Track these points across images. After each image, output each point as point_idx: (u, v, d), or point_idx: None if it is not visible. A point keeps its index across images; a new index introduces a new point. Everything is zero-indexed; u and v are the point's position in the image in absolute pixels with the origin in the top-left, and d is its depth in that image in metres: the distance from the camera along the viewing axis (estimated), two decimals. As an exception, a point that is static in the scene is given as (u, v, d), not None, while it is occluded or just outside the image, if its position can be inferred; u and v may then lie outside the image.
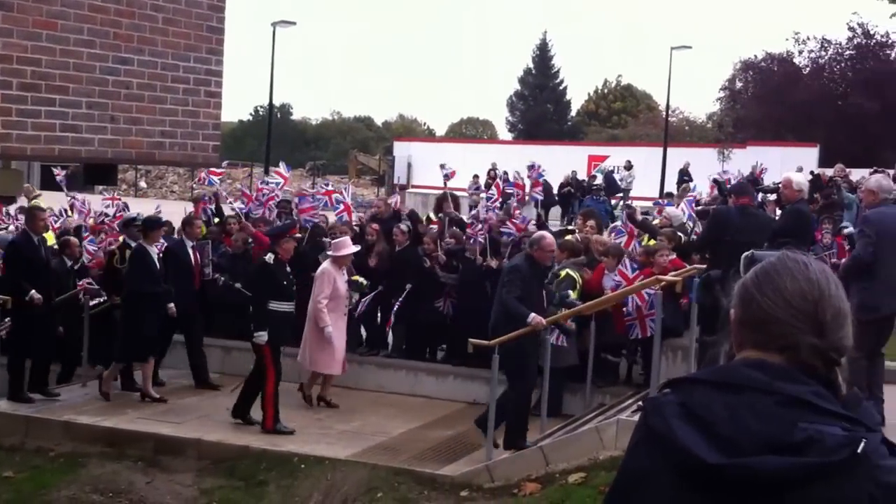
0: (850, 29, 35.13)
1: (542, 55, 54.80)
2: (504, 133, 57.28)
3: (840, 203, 13.53)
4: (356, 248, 8.66)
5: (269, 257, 7.86)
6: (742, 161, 27.66)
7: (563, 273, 8.41)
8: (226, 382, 9.29)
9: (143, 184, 39.25)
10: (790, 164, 25.78)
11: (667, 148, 28.68)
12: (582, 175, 29.02)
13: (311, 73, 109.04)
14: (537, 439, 7.28)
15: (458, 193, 13.03)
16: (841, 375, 1.49)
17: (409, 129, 63.21)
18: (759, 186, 12.10)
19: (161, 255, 8.80)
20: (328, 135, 63.51)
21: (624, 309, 8.15)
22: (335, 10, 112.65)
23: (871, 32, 34.78)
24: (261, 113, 57.40)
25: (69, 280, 9.35)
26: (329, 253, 8.51)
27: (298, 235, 8.87)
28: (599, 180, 23.88)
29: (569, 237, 9.45)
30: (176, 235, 10.22)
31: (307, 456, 7.25)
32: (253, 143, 49.95)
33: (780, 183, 7.47)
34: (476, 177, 28.73)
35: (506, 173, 28.84)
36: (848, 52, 35.66)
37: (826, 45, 35.99)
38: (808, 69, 36.26)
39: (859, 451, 1.31)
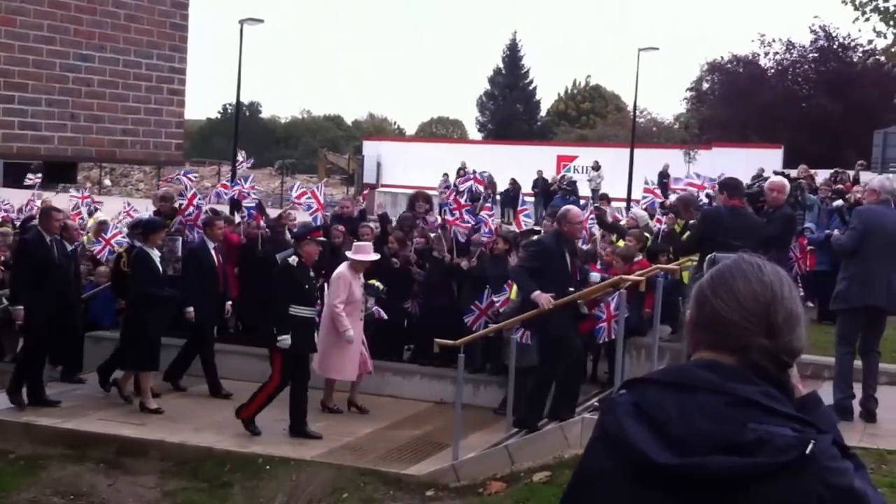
0: (813, 32, 35.83)
1: (513, 55, 55.00)
2: (474, 133, 57.48)
3: (802, 204, 13.76)
4: (377, 257, 8.42)
5: (293, 259, 7.59)
6: (708, 162, 28.07)
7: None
8: (189, 383, 9.19)
9: (107, 181, 38.74)
10: (755, 165, 26.16)
11: (634, 149, 28.93)
12: (549, 175, 29.26)
13: (280, 71, 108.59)
14: (502, 438, 7.32)
15: (429, 192, 13.12)
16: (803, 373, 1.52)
17: (379, 129, 63.12)
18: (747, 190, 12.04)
19: (162, 257, 8.58)
20: (297, 133, 63.24)
21: (593, 311, 8.20)
22: (305, 8, 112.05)
23: (834, 35, 35.48)
24: (229, 111, 57.00)
25: (70, 265, 8.97)
26: (348, 255, 8.25)
27: (322, 239, 8.47)
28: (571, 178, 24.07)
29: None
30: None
31: (272, 457, 7.20)
32: (221, 141, 49.63)
33: (759, 184, 7.57)
34: (446, 175, 28.84)
35: (475, 172, 29.03)
36: (811, 55, 36.33)
37: (790, 47, 36.66)
38: (772, 71, 36.88)
39: (808, 452, 1.32)
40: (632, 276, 7.23)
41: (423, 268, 9.33)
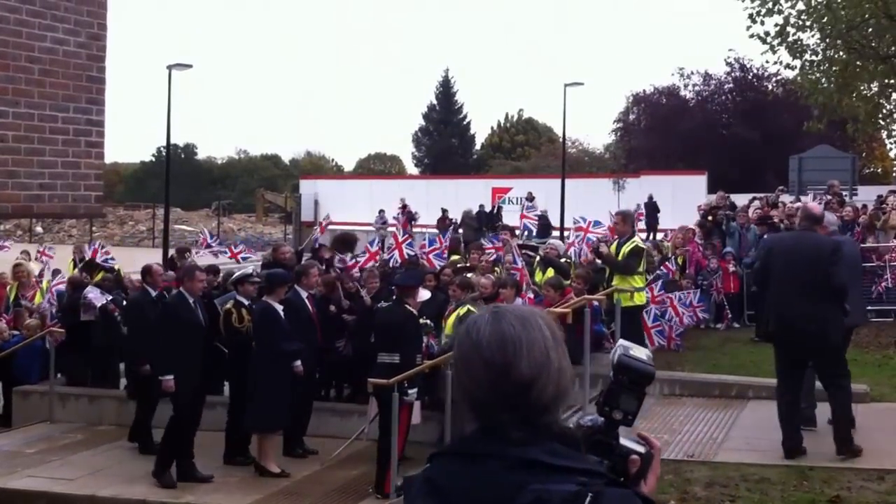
0: (728, 64, 37.45)
1: (446, 91, 55.90)
2: (412, 167, 58.03)
3: (726, 232, 14.28)
4: (428, 295, 8.19)
5: (412, 309, 7.35)
6: (637, 190, 28.88)
7: (463, 309, 8.58)
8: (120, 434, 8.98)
9: (39, 228, 37.87)
10: (681, 192, 27.05)
11: (565, 179, 29.56)
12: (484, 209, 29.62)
13: (216, 112, 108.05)
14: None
15: (362, 229, 13.21)
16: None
17: (317, 166, 63.12)
18: None
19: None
20: (234, 173, 62.85)
21: None
22: (238, 49, 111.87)
23: (748, 66, 37.14)
24: (163, 154, 56.62)
25: (153, 312, 8.37)
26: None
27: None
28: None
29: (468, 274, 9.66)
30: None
31: (207, 506, 7.10)
32: (156, 183, 49.09)
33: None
34: (382, 211, 28.96)
35: (417, 212, 29.22)
36: (728, 86, 37.93)
37: (708, 79, 38.20)
38: (693, 101, 38.32)
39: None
40: (557, 309, 7.42)
41: (352, 309, 9.39)
